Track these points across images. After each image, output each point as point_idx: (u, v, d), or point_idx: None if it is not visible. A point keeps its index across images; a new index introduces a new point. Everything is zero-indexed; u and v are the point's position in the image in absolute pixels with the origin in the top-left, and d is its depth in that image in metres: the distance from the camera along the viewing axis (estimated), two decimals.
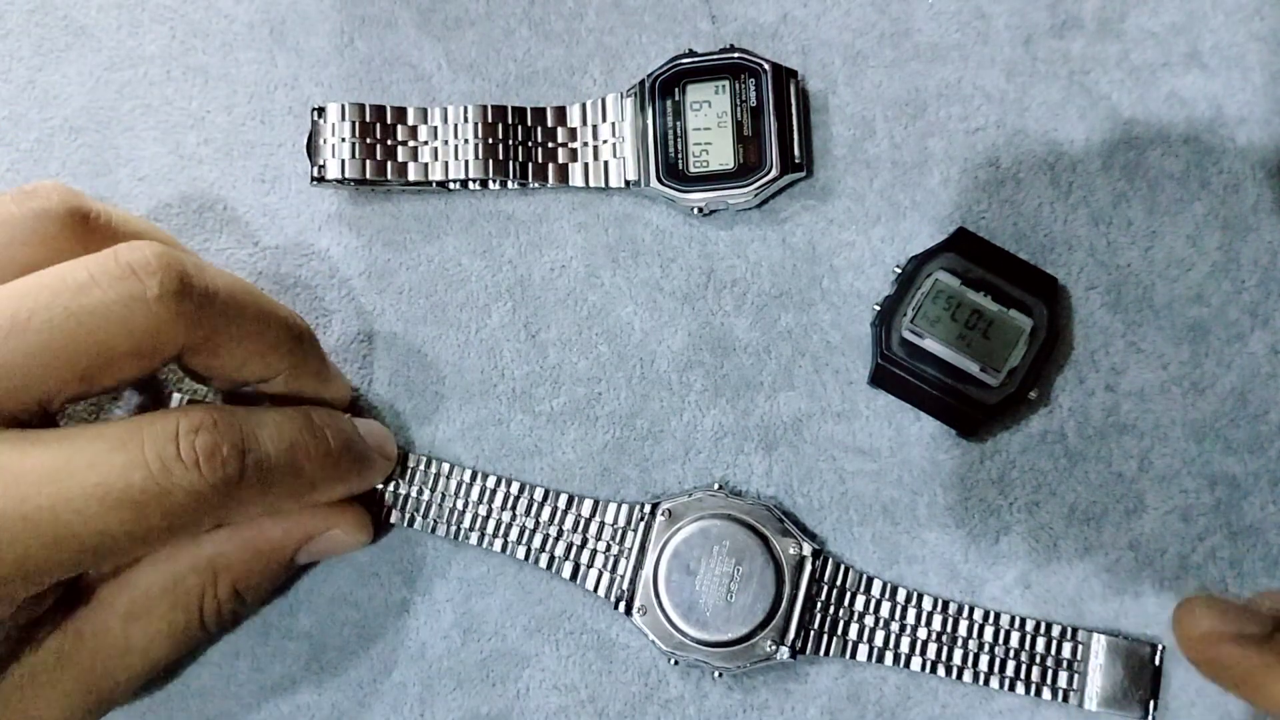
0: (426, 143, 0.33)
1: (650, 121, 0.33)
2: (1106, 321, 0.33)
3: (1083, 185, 0.33)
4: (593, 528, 0.32)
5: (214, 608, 0.29)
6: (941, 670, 0.31)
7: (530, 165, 0.33)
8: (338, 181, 0.33)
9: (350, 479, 0.30)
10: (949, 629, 0.31)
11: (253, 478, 0.26)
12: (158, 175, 0.35)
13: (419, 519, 0.32)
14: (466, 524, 0.32)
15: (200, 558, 0.28)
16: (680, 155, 0.33)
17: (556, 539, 0.32)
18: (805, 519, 0.32)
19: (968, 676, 0.31)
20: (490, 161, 0.33)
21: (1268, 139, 0.33)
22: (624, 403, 0.33)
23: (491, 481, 0.32)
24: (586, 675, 0.32)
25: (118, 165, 0.35)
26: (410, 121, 0.33)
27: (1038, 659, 0.31)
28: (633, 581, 0.31)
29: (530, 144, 0.34)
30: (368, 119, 0.33)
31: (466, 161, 0.33)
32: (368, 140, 0.33)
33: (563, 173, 0.34)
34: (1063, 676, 0.31)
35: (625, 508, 0.32)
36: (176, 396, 0.32)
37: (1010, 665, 0.31)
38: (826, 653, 0.31)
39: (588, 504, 0.32)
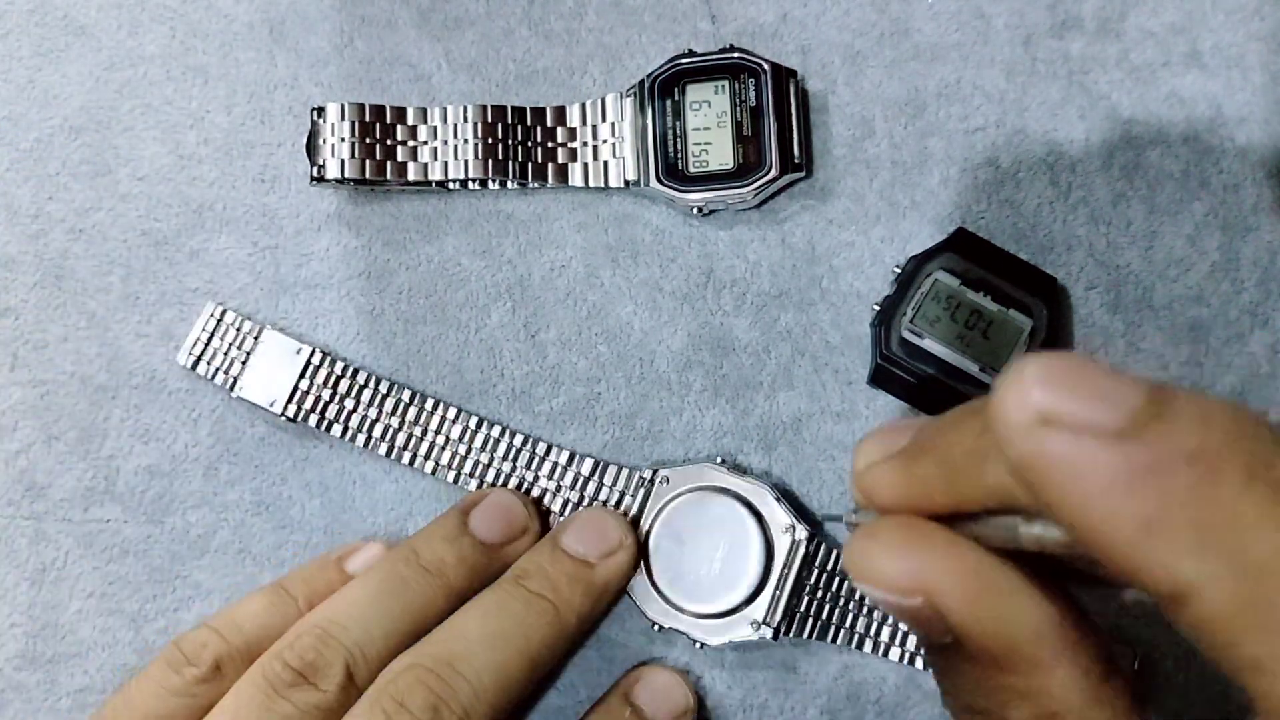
0: (426, 142, 0.33)
1: (650, 121, 0.33)
2: (1106, 321, 0.33)
3: (1082, 185, 0.33)
4: (590, 486, 0.32)
5: None
6: (919, 662, 0.31)
7: (530, 165, 0.33)
8: (337, 181, 0.33)
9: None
10: None
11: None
12: (158, 175, 0.35)
13: (419, 459, 0.33)
14: (467, 469, 0.32)
15: None
16: (680, 155, 0.33)
17: (554, 494, 0.32)
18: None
19: None
20: (490, 161, 0.33)
21: (1268, 139, 0.33)
22: (624, 403, 0.33)
23: (496, 431, 0.33)
24: (586, 674, 0.32)
25: (118, 165, 0.35)
26: (410, 121, 0.33)
27: None
28: None
29: (530, 144, 0.34)
30: (367, 119, 0.33)
31: (466, 161, 0.33)
32: (367, 140, 0.33)
33: (562, 173, 0.34)
34: None
35: (625, 471, 0.32)
36: None
37: None
38: (810, 635, 0.31)
39: (588, 463, 0.32)
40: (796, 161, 0.33)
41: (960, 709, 0.19)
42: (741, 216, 0.34)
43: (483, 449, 0.33)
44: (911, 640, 0.31)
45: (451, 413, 0.33)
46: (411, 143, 0.33)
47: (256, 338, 0.33)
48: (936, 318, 0.31)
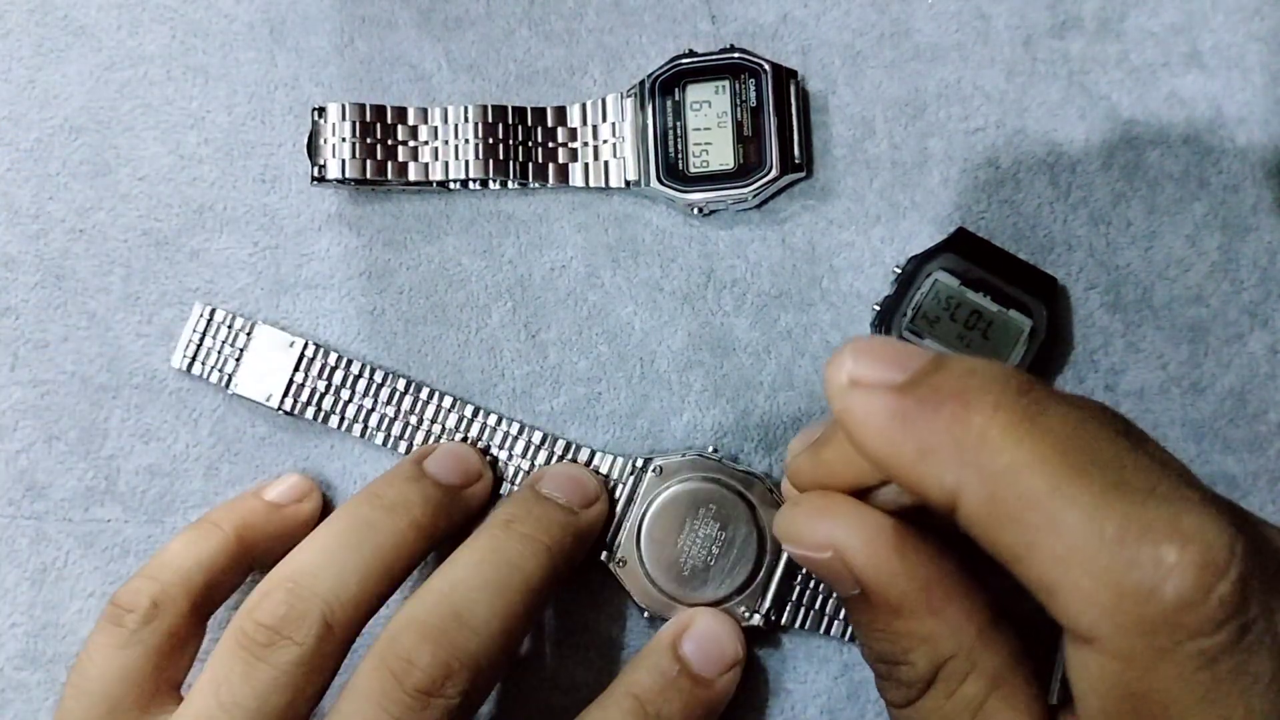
0: (427, 143, 0.33)
1: (650, 121, 0.33)
2: (1106, 321, 0.33)
3: (1082, 185, 0.33)
4: None
5: None
6: None
7: (530, 165, 0.33)
8: (338, 181, 0.33)
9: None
10: None
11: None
12: (158, 175, 0.35)
13: (402, 444, 0.33)
14: None
15: None
16: (680, 155, 0.33)
17: None
18: None
19: None
20: (490, 161, 0.33)
21: (1267, 139, 0.33)
22: (624, 403, 0.33)
23: (493, 420, 0.33)
24: (587, 673, 0.32)
25: (118, 165, 0.35)
26: (410, 121, 0.33)
27: None
28: (616, 532, 0.31)
29: (530, 144, 0.34)
30: (368, 119, 0.33)
31: (466, 161, 0.33)
32: (368, 140, 0.33)
33: (563, 173, 0.34)
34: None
35: (620, 460, 0.32)
36: None
37: None
38: (802, 626, 0.31)
39: (584, 452, 0.32)
40: (797, 162, 0.33)
41: (874, 659, 0.22)
42: (742, 216, 0.34)
43: (479, 438, 0.33)
44: None
45: (448, 402, 0.33)
46: (412, 143, 0.33)
47: (249, 334, 0.33)
48: (936, 318, 0.31)
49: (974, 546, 0.19)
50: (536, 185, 0.34)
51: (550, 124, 0.34)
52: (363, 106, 0.33)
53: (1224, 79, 0.34)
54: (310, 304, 0.34)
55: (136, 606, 0.28)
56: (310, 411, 0.33)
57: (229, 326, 0.33)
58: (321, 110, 0.33)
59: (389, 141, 0.33)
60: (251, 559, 0.31)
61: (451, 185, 0.34)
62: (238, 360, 0.33)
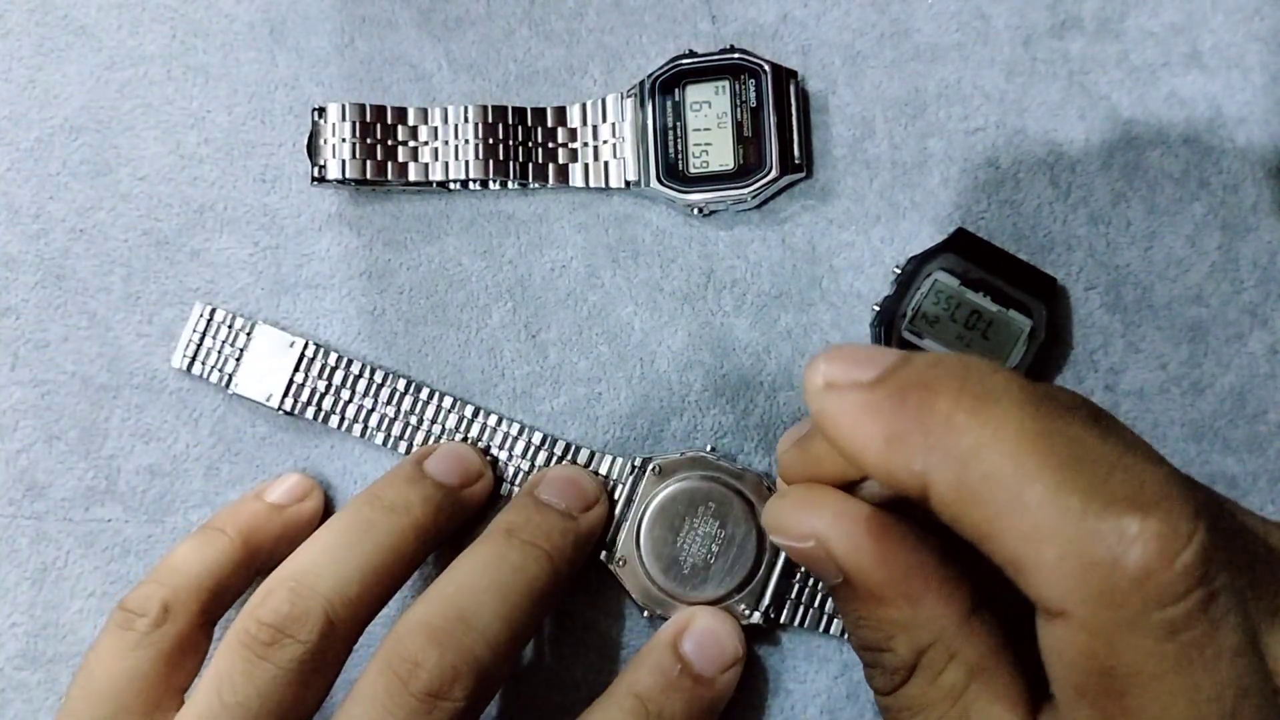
0: (427, 143, 0.33)
1: (650, 122, 0.33)
2: (1105, 322, 0.33)
3: (1082, 185, 0.33)
4: None
5: None
6: None
7: (530, 165, 0.33)
8: (338, 181, 0.33)
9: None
10: None
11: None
12: (158, 175, 0.35)
13: (402, 444, 0.33)
14: None
15: None
16: (680, 155, 0.33)
17: None
18: None
19: None
20: (490, 162, 0.33)
21: (1267, 139, 0.33)
22: (624, 403, 0.33)
23: (493, 420, 0.33)
24: (587, 673, 0.32)
25: (118, 165, 0.35)
26: (410, 121, 0.33)
27: None
28: (615, 531, 0.31)
29: (530, 144, 0.34)
30: (368, 119, 0.33)
31: (467, 162, 0.33)
32: (368, 140, 0.33)
33: (563, 173, 0.34)
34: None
35: (620, 461, 0.32)
36: None
37: None
38: (802, 624, 0.31)
39: (584, 453, 0.32)
40: (797, 162, 0.33)
41: (860, 647, 0.23)
42: (741, 217, 0.34)
43: (479, 438, 0.33)
44: None
45: (448, 402, 0.33)
46: (412, 143, 0.33)
47: (249, 334, 0.33)
48: (936, 318, 0.31)
49: (958, 537, 0.19)
50: (536, 185, 0.34)
51: (550, 124, 0.34)
52: (363, 106, 0.33)
53: (1224, 79, 0.34)
54: (310, 304, 0.34)
55: (147, 610, 0.28)
56: (310, 411, 0.33)
57: (229, 326, 0.33)
58: (321, 110, 0.33)
59: (389, 142, 0.33)
60: (257, 564, 0.31)
61: (451, 185, 0.34)
62: (238, 360, 0.33)
